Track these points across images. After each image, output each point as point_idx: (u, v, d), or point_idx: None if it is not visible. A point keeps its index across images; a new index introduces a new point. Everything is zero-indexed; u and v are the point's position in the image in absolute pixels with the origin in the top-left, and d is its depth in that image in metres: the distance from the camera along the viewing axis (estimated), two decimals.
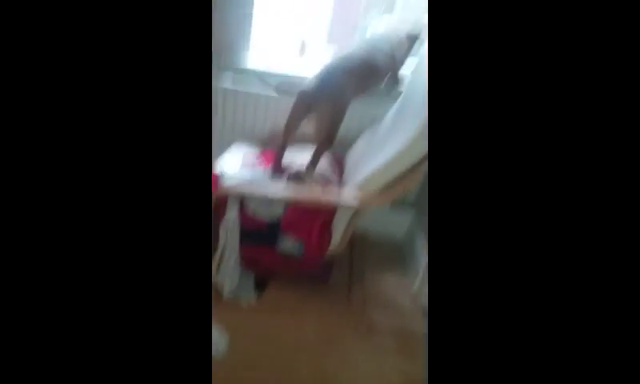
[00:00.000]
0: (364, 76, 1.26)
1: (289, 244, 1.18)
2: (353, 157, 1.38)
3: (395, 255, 1.54)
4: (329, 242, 1.16)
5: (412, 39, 1.37)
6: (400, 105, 1.30)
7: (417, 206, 1.63)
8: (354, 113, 1.58)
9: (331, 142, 1.20)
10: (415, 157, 1.02)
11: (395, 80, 1.47)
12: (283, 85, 1.34)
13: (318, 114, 1.18)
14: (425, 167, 1.03)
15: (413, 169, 1.03)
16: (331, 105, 1.17)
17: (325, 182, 1.21)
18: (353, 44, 1.32)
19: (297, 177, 1.20)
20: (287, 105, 1.23)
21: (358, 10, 1.54)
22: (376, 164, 1.08)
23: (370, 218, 1.61)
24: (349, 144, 1.49)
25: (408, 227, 1.64)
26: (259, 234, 1.15)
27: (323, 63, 1.23)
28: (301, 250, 1.16)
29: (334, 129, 1.19)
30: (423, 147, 1.01)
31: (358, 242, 1.54)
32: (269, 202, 1.15)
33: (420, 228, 1.49)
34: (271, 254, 1.19)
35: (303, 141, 1.46)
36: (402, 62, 1.43)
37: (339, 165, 1.40)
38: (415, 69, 1.32)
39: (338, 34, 1.61)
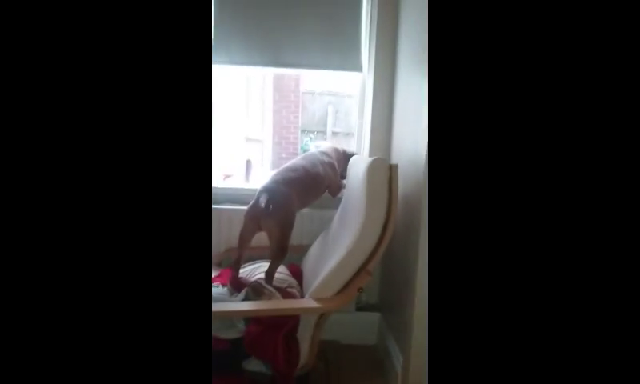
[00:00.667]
0: (308, 186, 1.45)
1: (255, 362, 1.19)
2: (309, 264, 1.48)
3: (370, 359, 1.56)
4: (297, 354, 1.18)
5: (348, 156, 1.64)
6: (342, 209, 1.47)
7: (382, 306, 1.71)
8: (306, 220, 1.76)
9: (284, 253, 1.32)
10: (362, 255, 1.13)
11: (338, 187, 1.65)
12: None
13: (267, 229, 1.33)
14: (372, 265, 1.13)
15: (363, 267, 1.14)
16: (279, 218, 1.30)
17: (284, 292, 1.27)
18: (295, 159, 1.53)
19: (255, 290, 1.26)
20: (239, 219, 1.38)
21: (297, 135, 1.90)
22: (329, 267, 1.17)
23: (338, 326, 1.66)
24: (304, 251, 1.63)
25: (378, 329, 1.70)
26: (223, 356, 1.15)
27: (268, 177, 1.41)
28: (269, 367, 1.15)
29: (285, 240, 1.31)
30: (367, 246, 1.13)
31: (331, 352, 1.55)
32: (230, 321, 1.18)
33: (389, 329, 1.54)
34: (238, 381, 1.16)
35: (260, 256, 1.59)
36: (343, 171, 1.62)
37: (297, 274, 1.49)
38: (349, 175, 1.49)
39: (280, 153, 1.91)
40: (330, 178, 1.59)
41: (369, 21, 1.82)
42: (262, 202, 1.31)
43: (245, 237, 1.38)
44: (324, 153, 1.62)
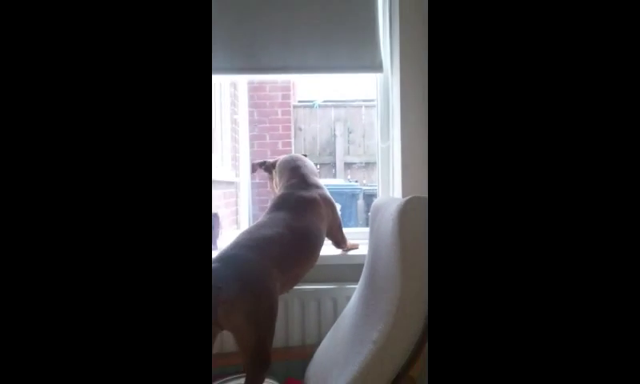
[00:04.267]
0: (294, 246, 1.43)
1: None
2: (316, 376, 1.42)
3: None
4: None
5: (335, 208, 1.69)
6: (364, 278, 1.42)
7: None
8: (307, 302, 1.76)
9: (264, 363, 1.23)
10: (400, 353, 1.07)
11: (341, 240, 1.73)
12: None
13: (232, 326, 1.24)
14: (417, 368, 1.09)
15: (403, 373, 1.08)
16: (248, 305, 1.22)
17: None
18: (268, 206, 1.55)
19: None
20: None
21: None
22: (349, 378, 1.11)
23: None
24: (308, 356, 1.59)
25: None
26: None
27: (229, 242, 1.37)
28: None
29: (263, 342, 1.23)
30: (406, 338, 1.07)
31: None
32: None
33: None
34: None
35: (236, 370, 1.54)
36: (339, 225, 1.71)
37: None
38: (373, 236, 1.42)
39: (265, 201, 1.91)
40: (329, 220, 1.63)
41: (387, 2, 1.83)
42: (217, 283, 1.21)
43: None
44: (304, 180, 1.66)
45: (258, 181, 4.61)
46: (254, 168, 1.88)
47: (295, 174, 1.70)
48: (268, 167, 1.86)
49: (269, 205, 1.60)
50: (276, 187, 1.77)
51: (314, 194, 1.64)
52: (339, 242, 1.75)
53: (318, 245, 1.56)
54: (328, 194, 1.70)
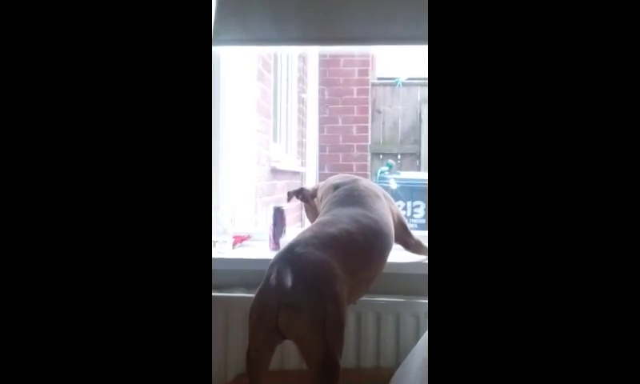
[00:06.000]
0: (366, 246, 1.49)
1: None
2: None
3: None
4: None
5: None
6: None
7: None
8: (381, 323, 1.80)
9: (335, 374, 1.26)
10: None
11: (410, 239, 1.76)
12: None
13: (295, 334, 1.28)
14: None
15: None
16: (315, 310, 1.27)
17: None
18: (330, 201, 1.63)
19: None
20: None
21: None
22: None
23: None
24: (382, 379, 1.63)
25: None
26: None
27: (290, 240, 1.43)
28: None
29: (333, 351, 1.27)
30: None
31: None
32: None
33: None
34: None
35: None
36: (405, 223, 1.75)
37: None
38: None
39: None
40: (394, 217, 1.68)
41: None
42: (278, 283, 1.29)
43: (256, 360, 1.35)
44: (363, 180, 1.74)
45: (327, 171, 4.66)
46: (290, 196, 1.90)
47: (346, 177, 1.78)
48: (306, 197, 1.89)
49: (329, 200, 1.65)
50: (315, 215, 1.80)
51: (373, 186, 1.70)
52: (407, 241, 1.77)
53: (389, 243, 1.61)
54: (385, 191, 1.76)
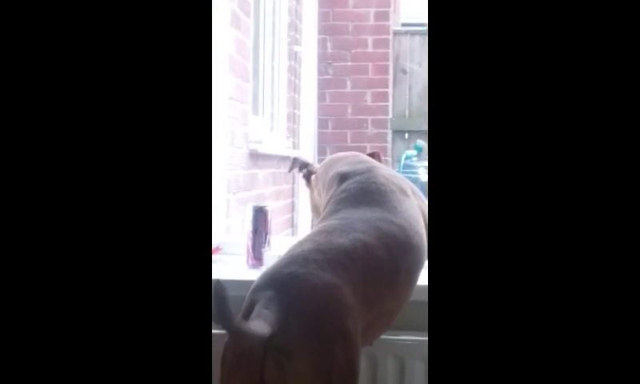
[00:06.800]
0: (387, 270, 1.49)
1: None
2: None
3: None
4: None
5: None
6: None
7: None
8: (405, 369, 1.80)
9: None
10: None
11: None
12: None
13: (291, 380, 1.27)
14: None
15: None
16: (318, 351, 1.28)
17: None
18: (342, 198, 1.64)
19: None
20: None
21: None
22: None
23: None
24: None
25: None
26: None
27: (283, 257, 1.42)
28: None
29: None
30: None
31: None
32: None
33: None
34: None
35: None
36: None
37: None
38: None
39: None
40: (425, 219, 1.69)
41: None
42: (265, 317, 1.26)
43: None
44: (380, 167, 1.78)
45: (331, 153, 4.60)
46: (294, 164, 1.90)
47: (357, 161, 1.80)
48: (308, 173, 1.95)
49: (333, 199, 1.66)
50: (317, 208, 1.86)
51: (397, 178, 1.74)
52: None
53: (421, 260, 1.61)
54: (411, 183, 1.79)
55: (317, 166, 1.90)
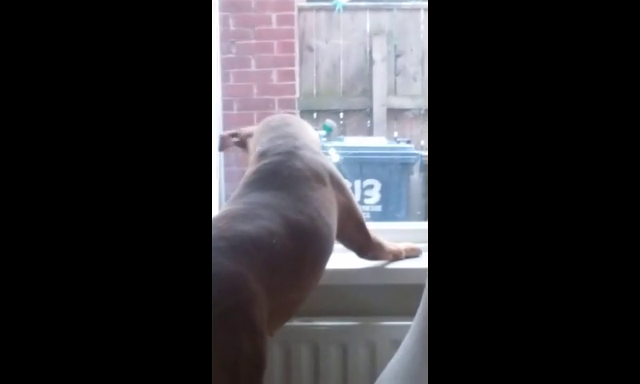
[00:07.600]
0: (292, 259, 1.57)
1: None
2: None
3: None
4: None
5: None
6: (421, 316, 1.55)
7: None
8: (321, 356, 1.78)
9: None
10: None
11: (366, 242, 1.84)
12: None
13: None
14: None
15: None
16: (225, 348, 1.34)
17: None
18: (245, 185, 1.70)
19: None
20: None
21: None
22: None
23: None
24: None
25: None
26: None
27: None
28: None
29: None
30: None
31: None
32: None
33: None
34: None
35: None
36: (359, 218, 1.82)
37: None
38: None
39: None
40: (340, 210, 1.75)
41: None
42: None
43: None
44: (297, 145, 1.79)
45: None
46: (225, 142, 1.88)
47: (282, 135, 1.84)
48: (243, 140, 1.98)
49: (244, 180, 1.72)
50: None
51: (316, 164, 1.76)
52: (363, 245, 1.76)
53: (327, 250, 1.69)
54: (335, 168, 1.83)
55: (248, 129, 1.97)
